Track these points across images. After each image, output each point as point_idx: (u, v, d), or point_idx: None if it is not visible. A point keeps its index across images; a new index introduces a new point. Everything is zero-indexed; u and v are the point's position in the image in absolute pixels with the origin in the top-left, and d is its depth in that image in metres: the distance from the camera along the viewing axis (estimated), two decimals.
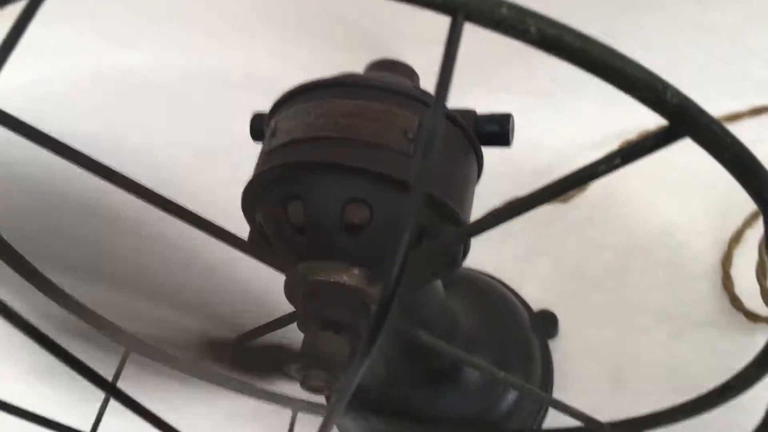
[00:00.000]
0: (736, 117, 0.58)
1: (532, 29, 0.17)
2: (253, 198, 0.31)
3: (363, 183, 0.28)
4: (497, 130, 0.32)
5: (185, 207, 0.30)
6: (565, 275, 0.55)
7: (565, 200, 0.56)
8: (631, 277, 0.54)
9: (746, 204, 0.53)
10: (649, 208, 0.57)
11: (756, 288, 0.47)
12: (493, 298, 0.51)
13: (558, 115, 0.62)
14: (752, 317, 0.49)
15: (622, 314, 0.52)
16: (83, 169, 0.27)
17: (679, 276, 0.53)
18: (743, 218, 0.54)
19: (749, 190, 0.20)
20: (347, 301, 0.29)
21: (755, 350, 0.26)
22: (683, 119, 0.18)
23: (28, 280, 0.34)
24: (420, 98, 0.30)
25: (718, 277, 0.52)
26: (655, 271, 0.54)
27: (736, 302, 0.50)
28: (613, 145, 0.59)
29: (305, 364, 0.28)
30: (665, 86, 0.18)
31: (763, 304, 0.47)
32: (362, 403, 0.44)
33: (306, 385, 0.28)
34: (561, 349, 0.51)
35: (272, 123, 0.31)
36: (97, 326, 0.37)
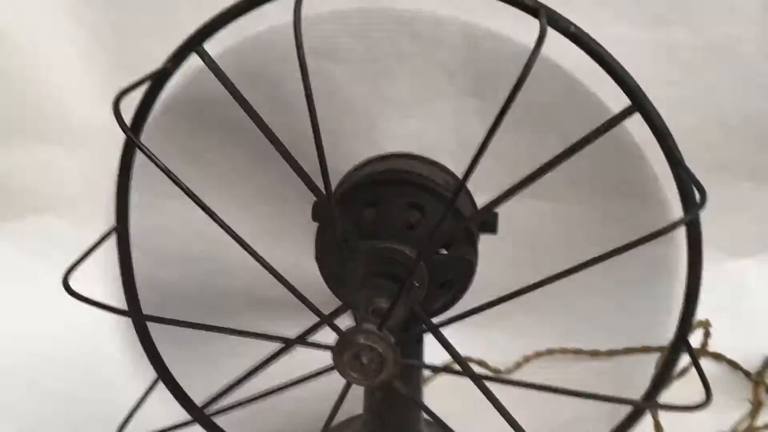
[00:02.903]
0: None
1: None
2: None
3: (421, 194, 0.44)
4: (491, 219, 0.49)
5: None
6: None
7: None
8: None
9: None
10: None
11: None
12: None
13: None
14: None
15: None
16: None
17: None
18: None
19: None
20: (400, 263, 0.42)
21: None
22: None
23: None
24: (448, 169, 0.47)
25: None
26: None
27: None
28: None
29: (371, 295, 0.39)
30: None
31: None
32: None
33: (372, 312, 0.39)
34: None
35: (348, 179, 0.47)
36: None
